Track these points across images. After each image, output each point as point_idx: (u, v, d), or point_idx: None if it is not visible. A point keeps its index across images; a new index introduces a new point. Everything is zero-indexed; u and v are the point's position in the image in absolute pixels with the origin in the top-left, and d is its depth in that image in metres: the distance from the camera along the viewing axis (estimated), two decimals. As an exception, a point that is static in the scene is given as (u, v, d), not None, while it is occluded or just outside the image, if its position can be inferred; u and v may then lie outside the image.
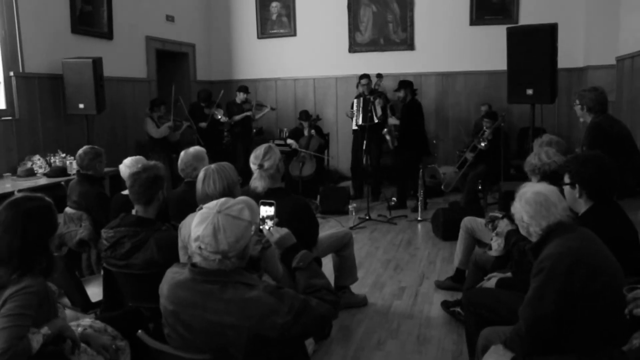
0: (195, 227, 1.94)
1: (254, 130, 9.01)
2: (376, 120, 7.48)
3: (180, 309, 1.94)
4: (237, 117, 8.45)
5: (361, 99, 7.76)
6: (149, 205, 2.99)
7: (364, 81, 7.87)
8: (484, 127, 7.43)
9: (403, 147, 7.50)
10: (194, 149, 4.07)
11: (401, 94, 7.52)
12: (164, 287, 2.05)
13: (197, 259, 1.95)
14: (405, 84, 7.59)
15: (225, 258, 1.91)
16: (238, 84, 9.86)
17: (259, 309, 1.85)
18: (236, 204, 2.00)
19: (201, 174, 2.87)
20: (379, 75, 7.79)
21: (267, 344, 1.86)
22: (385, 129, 7.54)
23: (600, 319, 2.14)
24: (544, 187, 2.38)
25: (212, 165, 2.87)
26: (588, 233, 2.30)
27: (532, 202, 2.33)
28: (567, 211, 2.35)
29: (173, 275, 2.05)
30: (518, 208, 2.39)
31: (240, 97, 8.44)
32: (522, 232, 2.42)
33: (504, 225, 3.34)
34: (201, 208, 2.85)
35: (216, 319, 1.87)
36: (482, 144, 7.22)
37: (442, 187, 7.91)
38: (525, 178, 3.68)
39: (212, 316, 1.87)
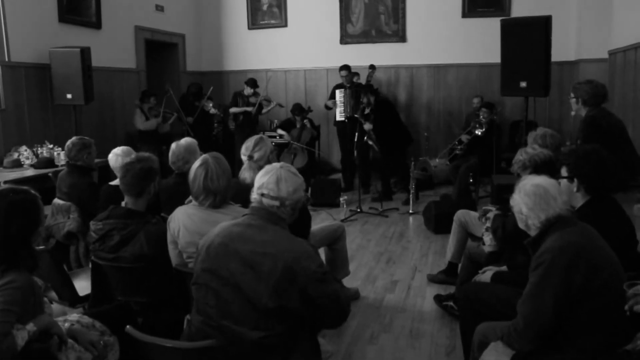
0: (261, 177, 2.23)
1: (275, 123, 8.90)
2: (377, 150, 7.33)
3: (229, 240, 2.14)
4: (236, 110, 8.28)
5: (347, 90, 7.66)
6: (140, 198, 2.92)
7: (343, 72, 7.80)
8: (481, 117, 7.41)
9: (387, 147, 7.39)
10: (186, 140, 4.00)
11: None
12: (215, 229, 2.27)
13: (256, 206, 2.23)
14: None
15: (282, 205, 2.19)
16: (229, 74, 9.81)
17: (300, 248, 2.09)
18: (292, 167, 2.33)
19: (200, 169, 2.74)
20: (372, 67, 7.72)
21: (293, 285, 2.00)
22: (365, 137, 7.33)
23: (600, 315, 2.11)
24: (543, 180, 2.34)
25: (209, 158, 2.78)
26: (588, 228, 2.27)
27: (531, 194, 2.29)
28: (567, 205, 2.31)
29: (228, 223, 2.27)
30: (517, 200, 2.34)
31: (247, 90, 8.28)
32: (521, 225, 2.38)
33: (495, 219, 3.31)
34: (190, 200, 2.81)
35: (260, 249, 2.06)
36: (479, 131, 7.20)
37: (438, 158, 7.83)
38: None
39: (257, 246, 2.07)
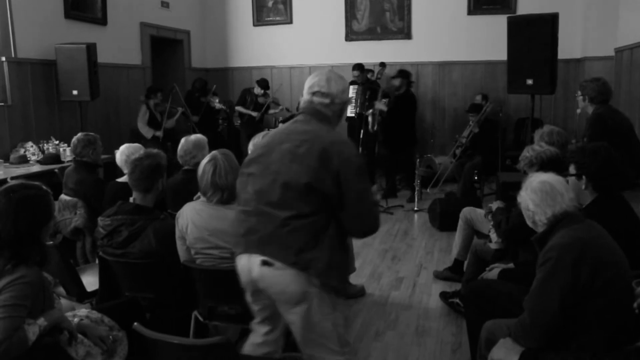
0: (311, 79, 2.38)
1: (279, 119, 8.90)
2: (371, 131, 7.35)
3: (275, 133, 2.38)
4: (242, 110, 8.27)
5: (360, 87, 7.66)
6: (148, 193, 2.93)
7: (355, 72, 7.79)
8: (470, 122, 7.43)
9: (394, 144, 7.40)
10: (195, 136, 4.03)
11: (397, 82, 7.42)
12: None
13: (305, 105, 2.38)
14: (404, 74, 7.51)
15: (332, 103, 2.34)
16: (234, 71, 9.81)
17: (338, 136, 2.28)
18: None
19: (208, 165, 2.76)
20: (382, 64, 7.69)
21: (326, 166, 2.12)
22: (371, 110, 7.36)
23: (608, 312, 2.11)
24: (550, 177, 2.34)
25: (218, 154, 2.79)
26: (595, 225, 2.27)
27: (537, 191, 2.29)
28: (574, 201, 2.31)
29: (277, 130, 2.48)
30: (524, 197, 2.35)
31: (257, 90, 8.24)
32: (529, 222, 2.38)
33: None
34: (199, 197, 2.82)
35: (300, 137, 2.21)
36: (464, 139, 7.23)
37: (431, 185, 7.79)
38: (521, 168, 3.66)
39: (299, 135, 2.22)
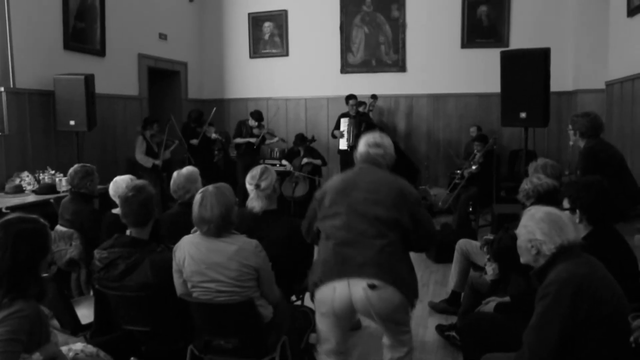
0: (366, 137, 2.94)
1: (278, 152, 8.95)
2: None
3: (349, 178, 2.85)
4: (240, 141, 8.31)
5: (352, 120, 7.74)
6: (145, 226, 2.93)
7: (352, 102, 7.87)
8: (475, 151, 7.46)
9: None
10: (187, 169, 3.99)
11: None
12: (329, 181, 2.92)
13: (364, 157, 2.90)
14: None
15: (385, 154, 2.89)
16: (230, 102, 9.89)
17: (404, 181, 2.82)
18: None
19: (198, 196, 2.79)
20: (374, 96, 7.79)
21: (404, 203, 2.70)
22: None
23: (605, 346, 2.12)
24: (553, 209, 2.36)
25: (210, 188, 2.80)
26: (593, 259, 2.28)
27: (546, 220, 2.30)
28: (577, 233, 2.33)
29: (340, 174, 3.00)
30: (530, 227, 2.34)
31: (251, 122, 8.30)
32: (527, 257, 2.37)
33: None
34: (196, 230, 2.82)
35: (376, 180, 2.76)
36: (473, 167, 7.23)
37: (440, 203, 7.80)
38: (515, 200, 3.69)
39: (373, 179, 2.78)
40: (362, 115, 7.76)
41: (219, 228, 2.72)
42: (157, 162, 7.26)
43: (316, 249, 3.11)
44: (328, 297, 2.61)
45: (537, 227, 2.32)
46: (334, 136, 8.29)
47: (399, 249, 2.67)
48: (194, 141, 7.98)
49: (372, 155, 2.86)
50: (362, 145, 2.91)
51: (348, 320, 2.77)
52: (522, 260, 2.42)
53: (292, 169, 8.07)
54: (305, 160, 8.14)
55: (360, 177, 2.80)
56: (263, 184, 3.22)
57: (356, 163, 2.95)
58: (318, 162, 8.24)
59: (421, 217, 2.76)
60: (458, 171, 7.54)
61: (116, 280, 2.79)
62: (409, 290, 2.66)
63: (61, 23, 6.53)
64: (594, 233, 2.76)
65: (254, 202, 3.24)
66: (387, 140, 2.94)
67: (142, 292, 2.74)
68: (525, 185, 3.44)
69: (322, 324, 2.76)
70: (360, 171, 2.85)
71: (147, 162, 7.22)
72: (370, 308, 2.57)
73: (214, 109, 8.44)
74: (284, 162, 8.30)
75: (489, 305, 3.10)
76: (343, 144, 8.05)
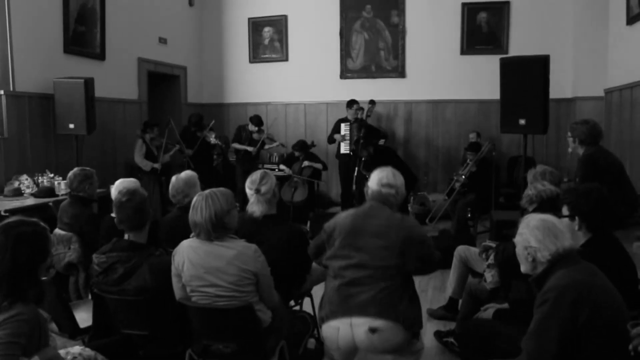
0: (378, 174, 3.00)
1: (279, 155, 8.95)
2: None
3: (359, 219, 2.89)
4: (239, 147, 8.31)
5: (352, 124, 7.74)
6: (142, 230, 2.93)
7: (355, 106, 7.86)
8: (467, 160, 7.48)
9: None
10: (185, 174, 4.00)
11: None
12: (340, 217, 2.98)
13: (375, 195, 2.96)
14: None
15: (397, 193, 2.95)
16: (229, 107, 9.90)
17: (411, 222, 2.95)
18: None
19: (193, 201, 2.81)
20: (372, 102, 7.80)
21: (411, 248, 2.77)
22: (367, 153, 7.38)
23: (604, 354, 2.12)
24: (549, 216, 2.37)
25: (205, 192, 2.80)
26: (592, 266, 2.29)
27: (540, 227, 2.32)
28: (573, 240, 2.34)
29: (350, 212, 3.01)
30: (525, 235, 2.36)
31: (251, 127, 8.30)
32: (526, 263, 2.38)
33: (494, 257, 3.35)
34: (194, 235, 2.82)
35: (385, 223, 2.82)
36: (462, 177, 7.24)
37: (427, 220, 7.79)
38: (514, 207, 3.70)
39: (382, 221, 2.82)
40: (361, 120, 7.76)
41: (208, 232, 2.71)
42: (156, 165, 7.26)
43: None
44: (333, 336, 2.78)
45: (532, 235, 2.34)
46: (332, 141, 8.28)
47: (402, 285, 2.78)
48: (189, 151, 7.92)
49: (383, 194, 2.93)
50: (374, 183, 2.97)
51: (354, 354, 2.92)
52: (522, 268, 2.42)
53: (291, 173, 8.06)
54: (305, 163, 8.14)
55: (370, 219, 2.86)
56: (263, 189, 3.23)
57: (367, 199, 3.02)
58: (319, 165, 8.23)
59: (428, 256, 2.87)
60: (455, 177, 7.55)
61: (115, 285, 2.78)
62: (412, 324, 2.77)
63: (61, 26, 6.54)
64: (593, 240, 2.76)
65: (254, 207, 3.24)
66: (399, 180, 2.99)
67: (141, 296, 2.74)
68: (530, 190, 3.44)
69: (333, 353, 2.92)
70: (371, 211, 2.91)
71: (146, 165, 7.22)
72: (373, 349, 2.75)
73: (213, 121, 8.41)
74: (281, 167, 8.29)
75: (488, 312, 3.10)
76: (344, 148, 8.05)
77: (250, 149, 8.18)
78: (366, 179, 7.10)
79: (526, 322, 2.30)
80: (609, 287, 2.24)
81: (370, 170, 7.03)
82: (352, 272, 2.77)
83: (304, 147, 8.19)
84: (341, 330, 2.73)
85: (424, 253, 2.86)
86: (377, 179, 2.97)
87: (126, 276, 2.77)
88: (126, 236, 2.96)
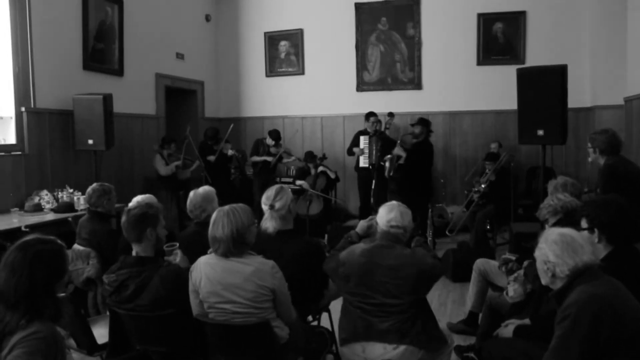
0: (387, 214, 3.07)
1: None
2: (387, 176, 7.33)
3: (371, 258, 2.97)
4: (257, 159, 8.37)
5: (372, 137, 7.70)
6: (141, 243, 2.92)
7: (373, 119, 7.83)
8: (486, 170, 7.41)
9: (411, 189, 7.27)
10: (203, 189, 4.01)
11: (417, 130, 7.36)
12: (353, 255, 3.05)
13: (384, 234, 3.07)
14: (424, 122, 7.44)
15: (405, 231, 3.07)
16: (246, 121, 9.95)
17: (421, 256, 2.99)
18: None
19: (213, 216, 2.81)
20: (391, 114, 7.76)
21: (426, 282, 2.96)
22: (389, 156, 7.35)
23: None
24: (569, 230, 2.33)
25: (225, 208, 2.81)
26: (613, 281, 2.24)
27: (559, 242, 2.28)
28: (594, 255, 2.29)
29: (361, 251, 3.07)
30: (544, 249, 2.32)
31: (269, 140, 8.35)
32: (546, 277, 2.34)
33: (522, 272, 3.28)
34: (211, 251, 2.81)
35: (396, 261, 2.91)
36: (482, 186, 7.18)
37: (447, 231, 7.73)
38: (533, 218, 3.63)
39: (393, 259, 2.92)
40: (380, 133, 7.72)
41: (228, 248, 2.71)
42: (179, 163, 7.42)
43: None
44: (358, 353, 2.97)
45: (550, 250, 2.30)
46: (351, 153, 8.25)
47: (417, 310, 2.95)
48: (211, 157, 8.03)
49: (392, 234, 3.04)
50: (383, 223, 3.07)
51: None
52: (542, 282, 2.38)
53: (307, 187, 8.06)
54: (320, 168, 8.16)
55: (380, 260, 2.95)
56: (277, 205, 3.22)
57: (377, 237, 3.13)
58: (332, 174, 8.25)
59: (437, 277, 3.06)
60: (474, 188, 7.48)
61: (129, 302, 2.78)
62: (436, 344, 3.00)
63: (81, 44, 6.65)
64: (614, 253, 2.71)
65: (268, 223, 3.24)
66: (406, 219, 3.08)
67: (156, 309, 2.73)
68: (551, 201, 3.36)
69: None
70: (381, 252, 2.99)
71: (169, 170, 7.37)
72: None
73: (232, 125, 8.51)
74: (298, 182, 8.29)
75: (508, 328, 3.04)
76: (363, 162, 8.01)
77: (269, 158, 8.23)
78: (385, 191, 7.12)
79: (547, 339, 2.26)
80: (632, 301, 2.19)
81: (402, 173, 7.07)
82: (370, 307, 2.93)
83: (313, 158, 8.23)
84: (367, 350, 2.93)
85: (435, 282, 3.06)
86: (386, 220, 3.06)
87: (138, 291, 2.76)
88: (134, 252, 2.96)
